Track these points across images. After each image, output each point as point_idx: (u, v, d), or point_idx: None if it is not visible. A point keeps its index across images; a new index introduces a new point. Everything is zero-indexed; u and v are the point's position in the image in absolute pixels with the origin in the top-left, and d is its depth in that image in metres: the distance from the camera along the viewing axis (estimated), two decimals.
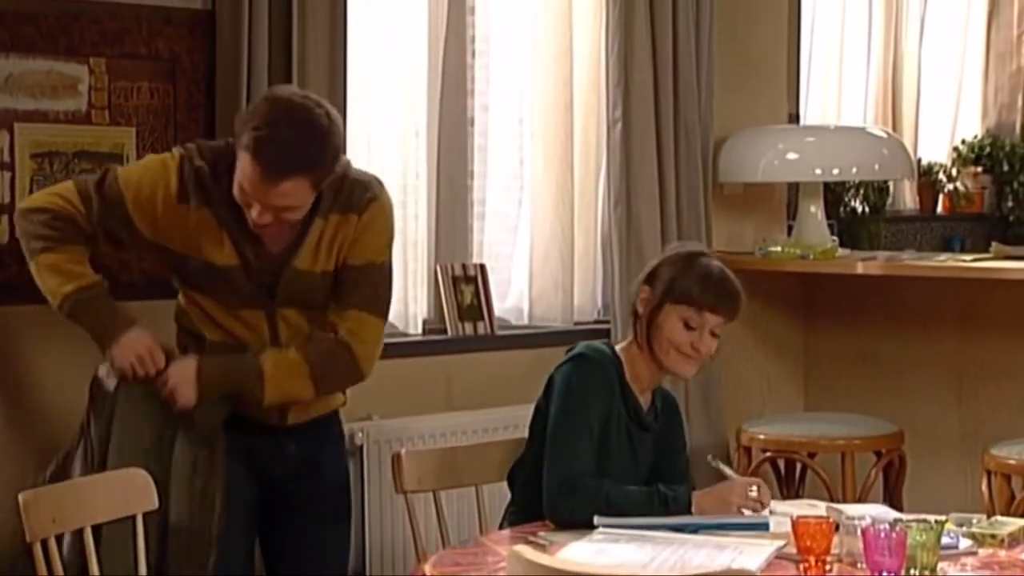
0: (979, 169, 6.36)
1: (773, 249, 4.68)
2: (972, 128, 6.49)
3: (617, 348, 3.01)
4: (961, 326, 4.59)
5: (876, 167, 4.86)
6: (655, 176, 4.44)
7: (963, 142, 6.42)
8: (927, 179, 6.25)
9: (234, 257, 2.95)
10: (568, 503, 2.80)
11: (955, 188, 6.30)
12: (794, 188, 4.95)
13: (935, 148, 6.37)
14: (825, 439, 4.26)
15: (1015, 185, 6.36)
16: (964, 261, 4.48)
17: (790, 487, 4.49)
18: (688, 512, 2.76)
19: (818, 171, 4.71)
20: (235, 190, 2.88)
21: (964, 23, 6.39)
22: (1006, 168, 6.37)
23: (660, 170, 4.45)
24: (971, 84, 6.47)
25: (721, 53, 4.64)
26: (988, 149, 6.38)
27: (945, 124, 6.43)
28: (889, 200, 5.99)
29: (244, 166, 2.84)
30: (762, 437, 4.31)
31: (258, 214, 2.87)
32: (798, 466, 4.46)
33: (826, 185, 5.01)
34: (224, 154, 2.93)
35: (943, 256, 4.78)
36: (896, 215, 6.11)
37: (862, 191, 5.75)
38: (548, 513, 2.84)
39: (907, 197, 6.27)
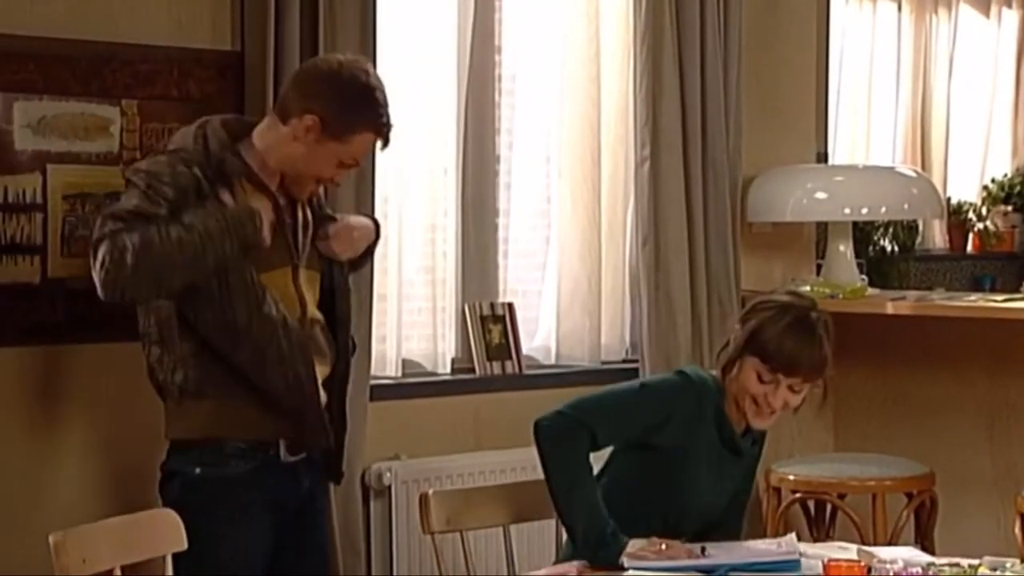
0: (1009, 208, 6.35)
1: (802, 288, 4.67)
2: (1002, 167, 6.48)
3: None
4: (992, 366, 4.57)
5: (905, 206, 4.86)
6: (683, 215, 4.45)
7: (993, 181, 6.41)
8: (957, 218, 6.24)
9: None
10: (550, 438, 2.92)
11: (985, 227, 6.29)
12: (823, 227, 4.95)
13: (964, 187, 6.37)
14: (855, 480, 4.24)
15: None
16: (995, 301, 4.46)
17: (820, 529, 4.47)
18: (612, 558, 2.77)
19: (847, 210, 4.71)
20: (329, 165, 2.99)
21: (993, 61, 6.39)
22: None
23: (688, 209, 4.46)
24: (1000, 122, 6.46)
25: (749, 92, 4.66)
26: (1018, 188, 6.37)
27: (974, 163, 6.42)
28: (918, 239, 5.99)
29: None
30: (792, 478, 4.30)
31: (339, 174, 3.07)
32: (828, 507, 4.44)
33: (855, 224, 5.00)
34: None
35: (974, 296, 4.77)
36: (925, 254, 6.10)
37: (891, 230, 5.75)
38: (536, 424, 2.95)
39: (936, 236, 6.26)
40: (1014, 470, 4.46)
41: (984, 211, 6.33)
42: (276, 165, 3.01)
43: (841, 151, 5.76)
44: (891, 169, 5.50)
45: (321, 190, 3.21)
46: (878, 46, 5.95)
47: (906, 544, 3.90)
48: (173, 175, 2.90)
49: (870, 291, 4.76)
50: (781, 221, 4.77)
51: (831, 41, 5.23)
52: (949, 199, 6.12)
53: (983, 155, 6.44)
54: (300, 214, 3.07)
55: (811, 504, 4.46)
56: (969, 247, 6.33)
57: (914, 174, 5.20)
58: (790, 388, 2.90)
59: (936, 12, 6.13)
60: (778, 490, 4.32)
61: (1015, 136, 6.49)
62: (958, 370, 4.64)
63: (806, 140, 5.01)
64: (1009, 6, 6.40)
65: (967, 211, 6.28)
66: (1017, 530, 3.89)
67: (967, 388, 4.62)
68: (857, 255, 4.99)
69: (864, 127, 5.96)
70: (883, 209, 4.84)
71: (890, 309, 4.55)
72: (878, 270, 5.58)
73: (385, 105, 3.03)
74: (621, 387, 3.09)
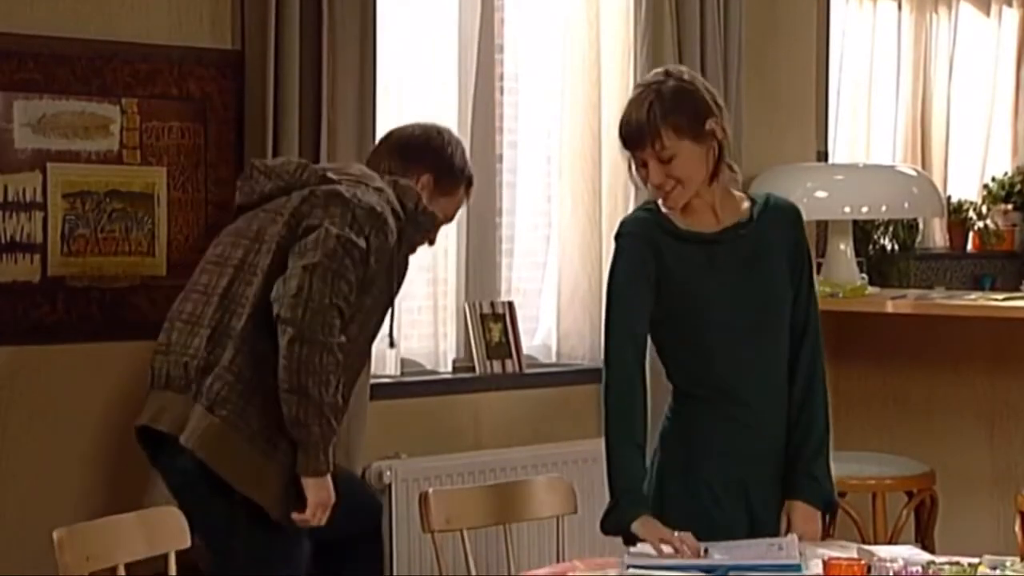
0: (1009, 207, 6.34)
1: None
2: (1002, 165, 6.48)
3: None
4: (992, 365, 4.57)
5: (906, 205, 4.85)
6: None
7: (993, 179, 6.41)
8: (957, 217, 6.23)
9: None
10: (607, 405, 2.83)
11: (985, 226, 6.28)
12: (823, 226, 4.95)
13: (965, 186, 6.36)
14: (856, 479, 4.23)
15: None
16: (995, 300, 4.46)
17: (820, 527, 4.45)
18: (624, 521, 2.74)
19: (847, 209, 4.70)
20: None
21: (993, 60, 6.39)
22: None
23: None
24: (1001, 121, 6.46)
25: (750, 91, 4.65)
26: (1018, 186, 6.36)
27: (975, 161, 6.41)
28: (919, 238, 5.98)
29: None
30: None
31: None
32: None
33: (855, 223, 5.00)
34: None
35: (974, 295, 4.76)
36: (926, 253, 6.09)
37: (891, 229, 5.74)
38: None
39: (937, 235, 6.25)
40: (1014, 469, 4.46)
41: (984, 210, 6.32)
42: None
43: (841, 150, 5.75)
44: (891, 168, 5.49)
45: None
46: (878, 45, 5.94)
47: (906, 543, 3.89)
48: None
49: (870, 290, 4.76)
50: None
51: (831, 40, 5.23)
52: (949, 198, 6.11)
53: (983, 154, 6.43)
54: None
55: None
56: (969, 246, 6.32)
57: (914, 173, 5.19)
58: (658, 160, 2.79)
59: (936, 11, 6.12)
60: None
61: (1015, 135, 6.48)
62: (958, 369, 4.64)
63: (806, 139, 5.00)
64: (1009, 5, 6.39)
65: (967, 210, 6.27)
66: (1017, 528, 3.88)
67: (967, 387, 4.62)
68: (857, 254, 4.99)
69: (864, 126, 5.95)
70: (883, 208, 4.83)
71: (890, 308, 4.54)
72: (878, 269, 5.58)
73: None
74: (609, 300, 2.89)
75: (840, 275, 4.72)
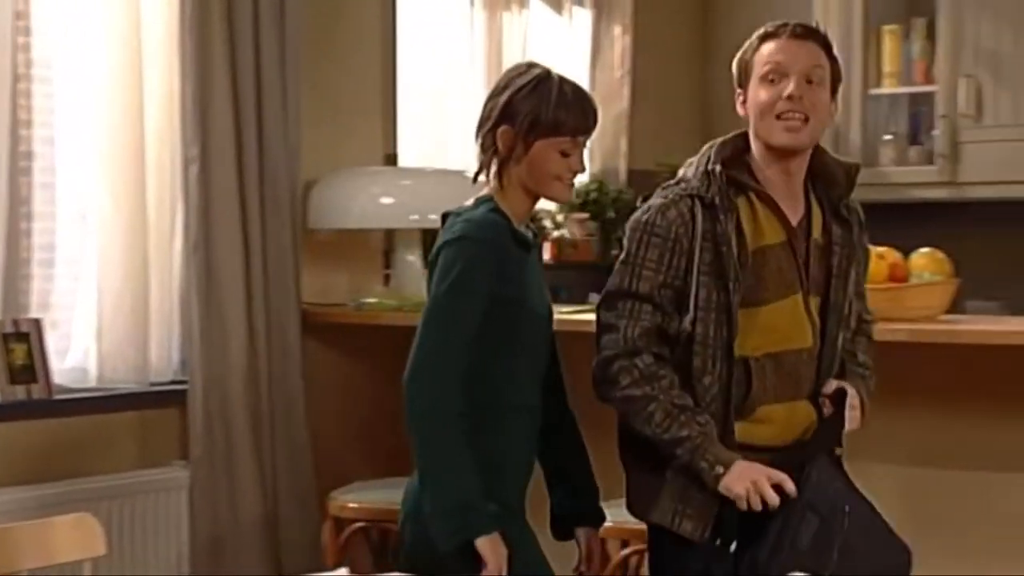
0: (586, 215, 6.57)
1: (368, 301, 4.71)
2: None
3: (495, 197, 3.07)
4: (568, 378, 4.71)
5: None
6: (237, 220, 4.40)
7: None
8: (533, 225, 6.41)
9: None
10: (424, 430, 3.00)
11: (562, 235, 6.50)
12: (390, 235, 4.99)
13: None
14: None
15: (620, 233, 6.62)
16: (562, 312, 4.60)
17: (385, 559, 4.50)
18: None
19: (414, 217, 4.76)
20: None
21: (566, 64, 6.63)
22: (612, 215, 6.61)
23: (243, 213, 4.42)
24: None
25: (310, 88, 4.65)
26: (594, 195, 6.61)
27: None
28: None
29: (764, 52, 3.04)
30: (353, 506, 4.29)
31: (795, 86, 2.98)
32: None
33: (427, 232, 5.07)
34: None
35: None
36: None
37: None
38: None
39: None
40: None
41: (560, 218, 6.54)
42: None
43: (412, 153, 5.81)
44: (461, 173, 5.59)
45: None
46: (453, 42, 6.04)
47: None
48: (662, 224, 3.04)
49: None
50: (345, 228, 4.78)
51: (399, 36, 5.29)
52: None
53: None
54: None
55: (374, 533, 4.48)
56: (547, 256, 6.52)
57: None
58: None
59: (508, 7, 6.28)
60: (338, 520, 4.29)
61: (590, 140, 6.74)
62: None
63: (372, 141, 5.04)
64: (581, 5, 6.64)
65: (543, 219, 6.47)
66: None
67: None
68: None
69: (438, 128, 6.04)
70: None
71: None
72: None
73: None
74: (431, 316, 3.08)
75: (409, 288, 4.76)
